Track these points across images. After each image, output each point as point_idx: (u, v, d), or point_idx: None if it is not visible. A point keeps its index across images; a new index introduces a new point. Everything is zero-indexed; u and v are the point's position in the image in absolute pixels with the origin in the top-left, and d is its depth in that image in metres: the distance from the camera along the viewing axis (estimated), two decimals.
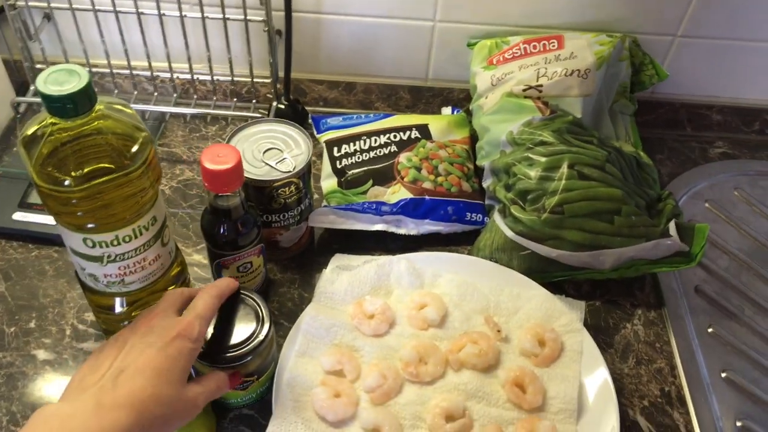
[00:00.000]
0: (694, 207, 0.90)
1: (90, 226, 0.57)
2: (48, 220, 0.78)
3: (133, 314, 0.67)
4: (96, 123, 0.54)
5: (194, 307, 0.57)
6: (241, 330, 0.62)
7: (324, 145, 0.87)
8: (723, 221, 0.89)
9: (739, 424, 0.70)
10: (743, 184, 0.94)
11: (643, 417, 0.69)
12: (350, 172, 0.84)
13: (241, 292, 0.64)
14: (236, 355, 0.60)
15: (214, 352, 0.60)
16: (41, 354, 0.71)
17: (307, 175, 0.73)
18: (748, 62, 0.95)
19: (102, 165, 0.55)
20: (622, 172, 0.77)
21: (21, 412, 0.66)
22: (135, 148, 0.56)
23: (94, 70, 0.92)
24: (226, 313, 0.62)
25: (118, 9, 0.85)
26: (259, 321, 0.62)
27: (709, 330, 0.77)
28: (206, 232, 0.68)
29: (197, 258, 0.80)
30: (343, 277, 0.75)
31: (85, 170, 0.54)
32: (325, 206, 0.80)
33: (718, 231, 0.87)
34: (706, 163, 0.96)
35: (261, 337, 0.61)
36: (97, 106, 0.54)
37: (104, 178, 0.54)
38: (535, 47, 0.85)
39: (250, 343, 0.61)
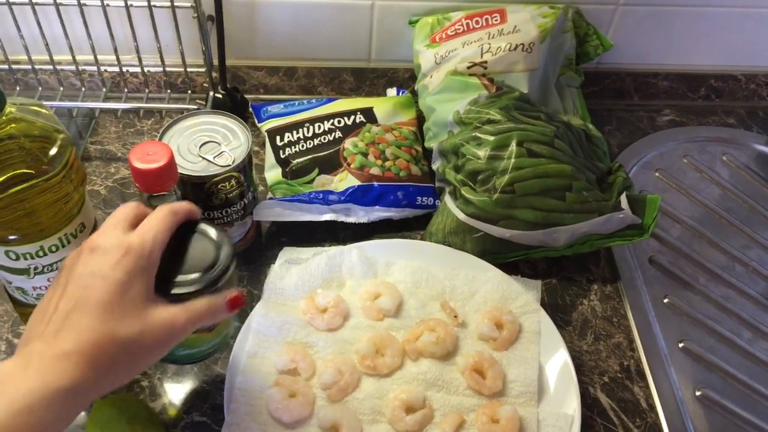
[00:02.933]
0: (644, 177, 0.89)
1: (12, 237, 0.53)
2: None
3: None
4: (7, 127, 0.49)
5: (146, 221, 0.49)
6: (202, 258, 0.53)
7: (266, 134, 0.84)
8: (674, 190, 0.89)
9: (698, 393, 0.70)
10: (692, 151, 0.94)
11: (603, 393, 0.69)
12: (295, 162, 0.80)
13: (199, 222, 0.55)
14: (211, 280, 0.51)
15: (169, 284, 0.51)
16: None
17: (248, 167, 0.70)
18: (691, 28, 0.94)
19: (19, 171, 0.51)
20: (572, 146, 0.76)
21: None
22: (53, 151, 0.52)
23: (15, 66, 0.87)
24: (182, 243, 0.53)
25: (35, 1, 0.79)
26: (218, 247, 0.54)
27: (665, 300, 0.77)
28: None
29: None
30: (292, 272, 0.72)
31: (1, 179, 0.50)
32: (270, 198, 0.77)
33: (670, 200, 0.87)
34: (654, 132, 0.95)
35: (224, 263, 0.53)
36: (8, 109, 0.50)
37: (23, 186, 0.51)
38: (477, 22, 0.83)
39: (219, 267, 0.52)
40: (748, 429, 0.69)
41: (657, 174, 0.90)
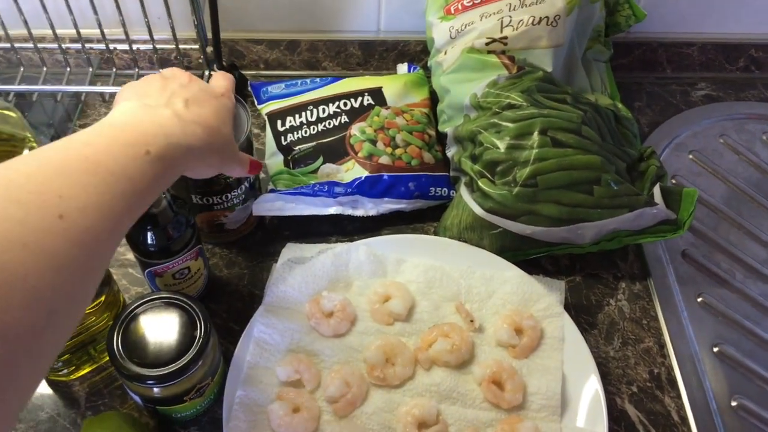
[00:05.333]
0: (677, 160, 0.82)
1: None
2: None
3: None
4: None
5: (217, 83, 0.58)
6: (181, 337, 0.55)
7: (266, 118, 0.77)
8: (709, 174, 0.82)
9: (734, 403, 0.65)
10: (729, 129, 0.86)
11: (632, 405, 0.64)
12: (297, 149, 0.74)
13: (166, 297, 0.57)
14: (185, 365, 0.53)
15: (157, 366, 0.53)
16: None
17: (247, 151, 0.64)
18: None
19: None
20: (600, 132, 0.69)
21: None
22: None
23: None
24: (157, 325, 0.56)
25: None
26: (195, 322, 0.56)
27: (699, 299, 0.71)
28: (131, 240, 0.59)
29: (131, 258, 0.71)
30: (296, 272, 0.67)
31: None
32: (271, 191, 0.71)
33: (705, 186, 0.80)
34: (688, 109, 0.88)
35: (203, 338, 0.55)
36: None
37: None
38: None
39: (194, 349, 0.54)
40: None
41: (691, 156, 0.83)
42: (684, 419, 0.63)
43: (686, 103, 0.89)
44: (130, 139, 0.43)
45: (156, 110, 0.48)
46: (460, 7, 0.76)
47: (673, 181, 0.80)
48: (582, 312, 0.69)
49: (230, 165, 0.55)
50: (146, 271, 0.61)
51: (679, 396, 0.64)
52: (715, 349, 0.68)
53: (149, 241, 0.58)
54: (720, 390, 0.65)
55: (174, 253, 0.60)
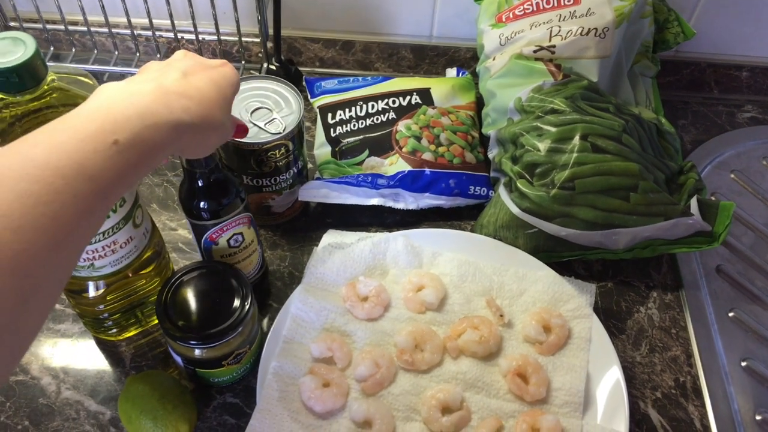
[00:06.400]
0: (718, 178, 0.83)
1: None
2: None
3: (108, 298, 0.62)
4: (48, 98, 0.48)
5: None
6: (224, 304, 0.59)
7: (318, 110, 0.81)
8: (749, 194, 0.82)
9: (758, 417, 0.65)
10: None
11: (654, 410, 0.64)
12: (345, 141, 0.77)
13: (213, 266, 0.62)
14: (226, 328, 0.57)
15: (200, 328, 0.58)
16: None
17: (298, 137, 0.68)
18: None
19: None
20: (641, 142, 0.71)
21: None
22: None
23: (71, 28, 0.86)
24: (203, 291, 0.60)
25: None
26: (238, 291, 0.60)
27: (730, 314, 0.72)
28: (184, 203, 0.62)
29: (182, 234, 0.75)
30: (335, 256, 0.70)
31: None
32: (317, 179, 0.75)
33: (744, 205, 0.81)
34: (733, 130, 0.88)
35: (246, 306, 0.59)
36: (49, 77, 0.48)
37: None
38: (548, 2, 0.77)
39: (236, 315, 0.58)
40: None
41: (732, 175, 0.84)
42: (707, 428, 0.63)
43: (731, 123, 0.90)
44: (93, 129, 0.38)
45: (137, 87, 0.43)
46: (511, 16, 0.79)
47: (713, 198, 0.81)
48: (611, 317, 0.70)
49: (225, 139, 0.52)
50: (202, 239, 0.64)
51: (703, 405, 0.65)
52: (744, 364, 0.68)
53: (199, 199, 0.59)
54: (745, 403, 0.65)
55: (225, 213, 0.61)
